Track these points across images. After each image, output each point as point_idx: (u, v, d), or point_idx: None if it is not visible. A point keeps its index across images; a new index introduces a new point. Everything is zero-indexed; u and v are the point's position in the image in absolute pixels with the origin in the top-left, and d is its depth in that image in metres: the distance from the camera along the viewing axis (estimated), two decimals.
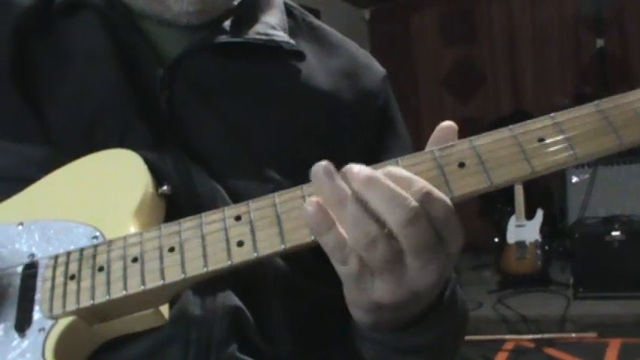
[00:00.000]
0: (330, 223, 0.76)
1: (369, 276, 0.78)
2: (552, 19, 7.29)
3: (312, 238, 0.80)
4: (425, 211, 0.74)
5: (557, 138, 0.79)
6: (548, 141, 0.79)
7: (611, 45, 7.05)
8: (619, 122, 0.78)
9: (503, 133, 0.81)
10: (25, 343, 0.86)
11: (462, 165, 0.79)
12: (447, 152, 0.81)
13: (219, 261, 0.82)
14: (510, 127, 0.80)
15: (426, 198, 0.74)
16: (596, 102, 0.80)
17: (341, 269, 0.78)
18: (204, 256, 0.82)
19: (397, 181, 0.75)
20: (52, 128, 1.01)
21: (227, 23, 1.10)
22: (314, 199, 0.77)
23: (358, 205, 0.74)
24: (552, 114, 0.80)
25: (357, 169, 0.76)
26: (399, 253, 0.76)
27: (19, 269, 0.91)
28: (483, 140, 0.81)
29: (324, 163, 0.77)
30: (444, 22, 7.74)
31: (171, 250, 0.83)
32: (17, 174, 0.99)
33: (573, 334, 4.90)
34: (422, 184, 0.75)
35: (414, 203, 0.73)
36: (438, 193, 0.76)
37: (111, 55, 1.04)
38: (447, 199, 0.76)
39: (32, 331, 0.87)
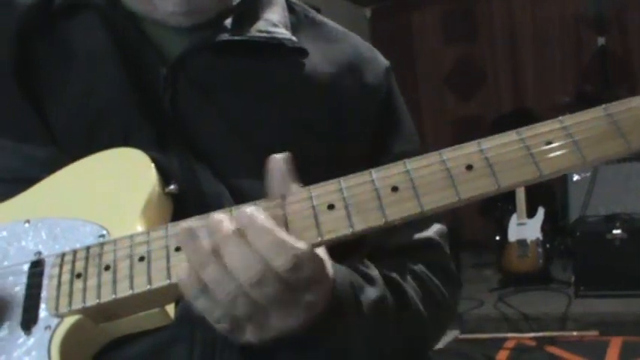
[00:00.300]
0: (202, 286, 0.79)
1: (239, 329, 0.82)
2: (553, 18, 7.27)
3: (319, 239, 0.80)
4: (284, 276, 0.77)
5: (565, 141, 0.78)
6: (555, 144, 0.79)
7: (613, 43, 7.04)
8: (627, 126, 0.78)
9: (510, 136, 0.80)
10: (31, 341, 0.86)
11: (469, 168, 0.79)
12: (454, 154, 0.80)
13: None
14: (518, 130, 0.80)
15: (297, 265, 0.77)
16: (604, 105, 0.79)
17: (215, 326, 0.82)
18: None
19: (267, 242, 0.77)
20: (56, 128, 1.02)
21: (228, 21, 1.10)
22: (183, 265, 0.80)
23: (217, 266, 0.78)
24: (560, 117, 0.80)
25: (216, 221, 0.79)
26: (261, 307, 0.79)
27: (26, 267, 0.91)
28: (491, 143, 0.80)
29: (187, 224, 0.80)
30: (445, 21, 7.73)
31: (178, 249, 0.84)
32: (21, 175, 1.00)
33: (574, 333, 4.89)
34: (295, 252, 0.77)
35: (259, 266, 0.76)
36: (309, 256, 0.78)
37: (113, 55, 1.05)
38: (316, 258, 0.80)
39: (38, 329, 0.87)
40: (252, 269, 0.76)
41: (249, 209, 0.78)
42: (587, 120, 0.79)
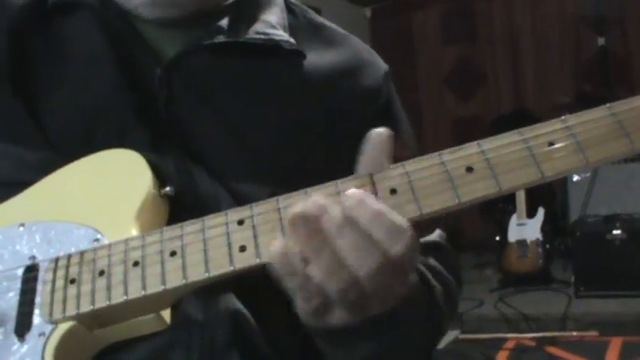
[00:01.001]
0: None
1: (327, 312, 0.79)
2: (553, 18, 7.27)
3: None
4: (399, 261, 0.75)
5: (568, 142, 0.77)
6: (558, 145, 0.77)
7: (612, 43, 7.04)
8: (632, 126, 0.76)
9: (512, 136, 0.79)
10: (25, 347, 0.86)
11: (470, 169, 0.78)
12: (454, 156, 0.79)
13: (221, 266, 0.81)
14: (520, 130, 0.79)
15: (411, 249, 0.75)
16: (608, 105, 0.78)
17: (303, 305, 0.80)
18: (206, 261, 0.81)
19: (385, 226, 0.75)
20: (51, 128, 1.01)
21: (225, 22, 1.09)
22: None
23: (330, 255, 0.75)
24: (563, 117, 0.78)
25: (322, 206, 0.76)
26: (369, 294, 0.76)
27: (20, 272, 0.90)
28: (492, 144, 0.79)
29: (297, 211, 0.77)
30: (445, 21, 7.73)
31: (173, 254, 0.82)
32: (14, 178, 0.99)
33: (574, 333, 4.89)
34: (409, 234, 0.75)
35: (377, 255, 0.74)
36: (416, 243, 0.76)
37: (108, 54, 1.04)
38: (411, 231, 0.76)
39: (32, 336, 0.86)
40: (371, 260, 0.74)
41: (356, 193, 0.76)
42: (591, 120, 0.78)
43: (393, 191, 0.79)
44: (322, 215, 0.76)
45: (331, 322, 0.81)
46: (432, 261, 1.06)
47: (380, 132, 0.81)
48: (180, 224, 0.85)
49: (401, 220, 0.75)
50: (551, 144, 0.77)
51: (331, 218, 0.75)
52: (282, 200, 0.82)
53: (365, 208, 0.75)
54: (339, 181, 0.81)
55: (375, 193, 0.78)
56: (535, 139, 0.78)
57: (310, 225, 0.76)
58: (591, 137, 0.77)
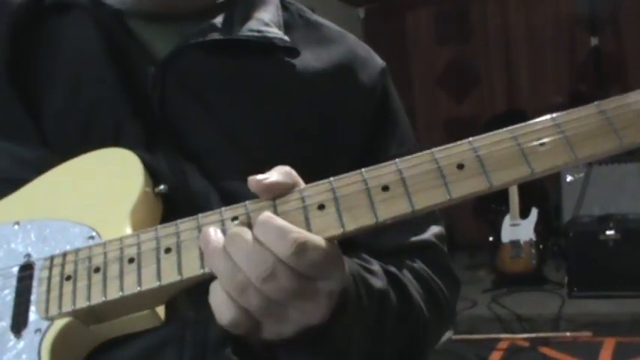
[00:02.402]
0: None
1: (255, 324, 0.80)
2: (547, 18, 7.30)
3: None
4: (291, 264, 0.76)
5: (557, 138, 0.78)
6: (547, 140, 0.78)
7: (606, 44, 7.07)
8: (620, 123, 0.77)
9: (502, 134, 0.80)
10: (21, 344, 0.86)
11: (460, 166, 0.79)
12: (446, 153, 0.80)
13: None
14: (510, 127, 0.80)
15: (300, 249, 0.76)
16: (596, 102, 0.79)
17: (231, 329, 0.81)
18: (201, 257, 0.81)
19: (268, 232, 0.77)
20: (47, 127, 1.01)
21: (219, 20, 1.09)
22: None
23: (226, 258, 0.77)
24: (553, 114, 0.80)
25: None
26: (276, 301, 0.77)
27: (15, 270, 0.90)
28: (483, 141, 0.80)
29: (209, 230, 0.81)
30: (438, 21, 7.75)
31: (168, 251, 0.83)
32: (9, 175, 0.99)
33: (568, 333, 4.91)
34: (294, 235, 0.76)
35: (270, 261, 0.76)
36: (313, 240, 0.77)
37: (103, 53, 1.04)
38: (322, 243, 0.78)
39: (28, 332, 0.86)
40: (262, 264, 0.75)
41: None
42: (580, 117, 0.78)
43: (386, 188, 0.80)
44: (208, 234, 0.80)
45: (266, 337, 0.82)
46: (391, 268, 1.05)
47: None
48: (175, 222, 0.85)
49: (287, 224, 0.77)
50: (540, 140, 0.78)
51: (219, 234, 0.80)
52: (277, 197, 0.83)
53: (268, 221, 0.78)
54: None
55: (274, 213, 0.81)
56: (525, 137, 0.79)
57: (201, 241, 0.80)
58: (580, 133, 0.78)
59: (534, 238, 5.81)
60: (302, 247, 0.76)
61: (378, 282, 0.98)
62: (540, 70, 7.33)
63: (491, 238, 6.03)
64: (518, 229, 5.83)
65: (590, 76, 7.06)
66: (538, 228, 5.87)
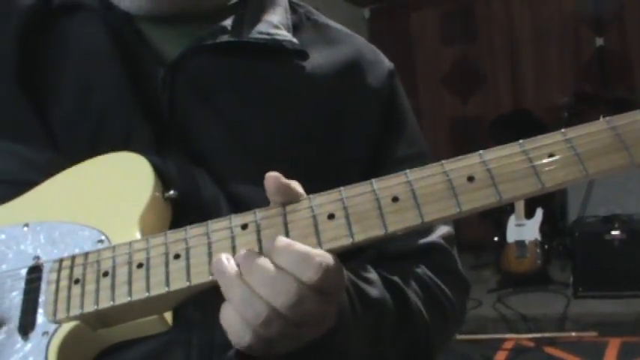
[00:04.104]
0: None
1: (269, 345, 0.80)
2: (552, 18, 7.28)
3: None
4: (318, 287, 0.76)
5: (568, 154, 0.78)
6: (558, 157, 0.78)
7: (611, 43, 7.05)
8: (631, 140, 0.77)
9: (512, 148, 0.80)
10: (28, 346, 0.86)
11: (471, 179, 0.79)
12: (456, 165, 0.80)
13: None
14: (520, 141, 0.80)
15: (326, 272, 0.76)
16: (607, 118, 0.79)
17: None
18: (210, 264, 0.81)
19: (291, 259, 0.77)
20: (56, 129, 1.01)
21: (228, 22, 1.09)
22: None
23: (244, 287, 0.77)
24: (563, 130, 0.80)
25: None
26: (296, 323, 0.78)
27: (24, 272, 0.91)
28: (493, 154, 0.80)
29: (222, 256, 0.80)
30: (443, 21, 7.74)
31: (177, 257, 0.83)
32: (19, 177, 0.99)
33: (573, 333, 4.90)
34: (319, 260, 0.76)
35: (295, 288, 0.75)
36: (331, 259, 0.77)
37: (112, 55, 1.04)
38: (336, 260, 0.78)
39: (35, 335, 0.86)
40: (287, 292, 0.76)
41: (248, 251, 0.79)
42: (590, 132, 0.79)
43: (395, 199, 0.80)
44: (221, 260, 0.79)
45: (277, 351, 0.82)
46: (396, 279, 1.05)
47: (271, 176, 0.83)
48: (184, 228, 0.85)
49: (305, 248, 0.77)
50: (551, 155, 0.78)
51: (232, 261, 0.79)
52: (287, 205, 0.83)
53: (274, 246, 0.78)
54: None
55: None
56: (535, 151, 0.79)
57: (214, 269, 0.80)
58: (591, 149, 0.78)
59: (539, 238, 5.79)
60: (327, 270, 0.76)
61: (374, 290, 0.99)
62: (545, 70, 7.31)
63: (496, 238, 6.01)
64: (524, 229, 5.82)
65: (595, 75, 7.04)
66: (543, 228, 5.86)
